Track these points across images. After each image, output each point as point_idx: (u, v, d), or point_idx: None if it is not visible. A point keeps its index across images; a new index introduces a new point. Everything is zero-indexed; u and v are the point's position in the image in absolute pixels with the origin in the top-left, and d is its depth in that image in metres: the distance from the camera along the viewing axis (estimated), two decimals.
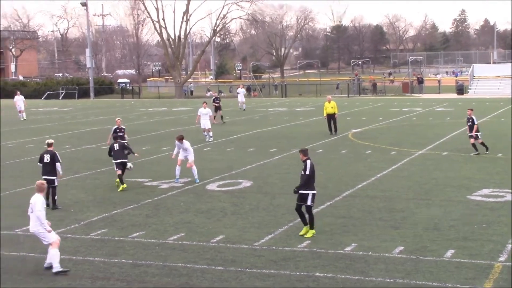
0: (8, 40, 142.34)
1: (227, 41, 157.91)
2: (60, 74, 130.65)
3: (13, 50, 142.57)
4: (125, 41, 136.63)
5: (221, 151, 30.55)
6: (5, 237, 16.07)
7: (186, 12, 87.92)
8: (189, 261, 13.82)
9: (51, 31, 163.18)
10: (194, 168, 22.83)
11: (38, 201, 13.32)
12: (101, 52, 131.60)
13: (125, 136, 26.49)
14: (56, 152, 19.58)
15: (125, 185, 21.86)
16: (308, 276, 12.72)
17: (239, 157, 28.49)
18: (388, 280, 12.38)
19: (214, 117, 42.53)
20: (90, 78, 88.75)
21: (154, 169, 25.84)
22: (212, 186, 21.97)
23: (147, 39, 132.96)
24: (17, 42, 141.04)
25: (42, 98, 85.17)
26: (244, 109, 54.72)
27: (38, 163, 19.72)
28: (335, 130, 35.72)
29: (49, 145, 19.60)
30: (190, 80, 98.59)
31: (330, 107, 35.91)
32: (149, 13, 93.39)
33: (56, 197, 19.31)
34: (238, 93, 58.13)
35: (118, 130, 26.28)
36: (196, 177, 22.77)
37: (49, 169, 19.19)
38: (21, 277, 13.06)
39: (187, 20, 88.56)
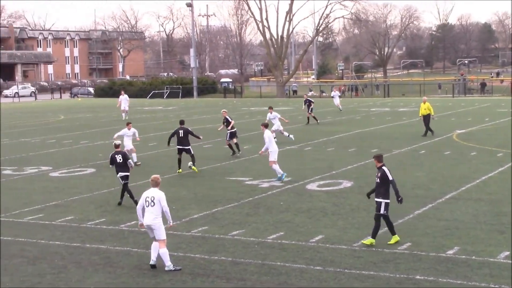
0: (117, 41, 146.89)
1: (330, 40, 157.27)
2: (165, 74, 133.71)
3: (121, 50, 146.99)
4: (228, 41, 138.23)
5: (322, 151, 30.44)
6: (111, 232, 16.56)
7: (289, 11, 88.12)
8: (288, 260, 13.82)
9: (157, 32, 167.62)
10: (276, 167, 22.88)
11: (162, 196, 13.46)
12: (205, 52, 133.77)
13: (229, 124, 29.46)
14: (126, 152, 20.29)
15: (180, 170, 24.58)
16: (408, 279, 12.48)
17: (340, 157, 28.29)
18: (493, 286, 11.99)
19: (308, 118, 43.43)
20: (194, 77, 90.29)
21: (255, 168, 26.01)
22: (312, 186, 21.91)
23: (250, 39, 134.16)
24: (125, 43, 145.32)
25: (147, 97, 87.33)
26: (341, 110, 54.16)
27: (110, 165, 20.12)
28: (425, 132, 34.88)
29: (116, 146, 20.24)
30: (291, 79, 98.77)
31: (423, 108, 35.18)
32: (252, 13, 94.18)
33: (131, 192, 19.64)
34: (332, 96, 57.31)
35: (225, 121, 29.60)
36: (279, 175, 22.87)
37: (123, 167, 19.74)
38: (125, 271, 13.41)
39: (290, 20, 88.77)
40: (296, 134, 35.76)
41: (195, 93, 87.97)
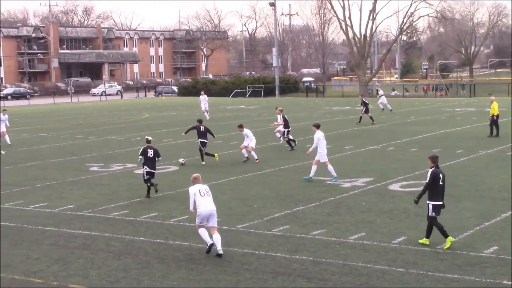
0: (200, 40, 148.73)
1: (414, 39, 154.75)
2: (247, 73, 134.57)
3: (204, 49, 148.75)
4: (310, 40, 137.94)
5: (405, 151, 30.01)
6: (193, 229, 16.76)
7: (372, 10, 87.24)
8: (369, 261, 13.69)
9: (240, 31, 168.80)
10: (314, 169, 22.97)
11: (207, 188, 14.89)
12: (287, 51, 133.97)
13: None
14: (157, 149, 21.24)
15: (203, 163, 26.68)
16: (495, 284, 12.16)
17: (423, 158, 27.77)
18: None
19: (360, 117, 43.56)
20: (276, 76, 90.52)
21: (336, 168, 25.81)
22: (395, 186, 21.63)
23: (332, 38, 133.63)
24: (208, 42, 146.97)
25: (230, 96, 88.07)
26: (391, 110, 53.16)
27: (140, 156, 20.89)
28: (491, 133, 33.98)
29: (149, 141, 21.14)
30: (374, 79, 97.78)
31: (492, 107, 34.24)
32: (335, 12, 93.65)
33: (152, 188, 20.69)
34: (381, 95, 55.83)
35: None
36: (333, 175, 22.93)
37: (152, 162, 20.71)
38: (207, 268, 13.56)
39: (374, 19, 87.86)
40: (379, 134, 35.39)
41: (277, 92, 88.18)
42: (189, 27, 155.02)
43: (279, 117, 32.23)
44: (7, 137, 35.35)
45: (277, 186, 22.25)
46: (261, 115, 53.65)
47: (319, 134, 23.09)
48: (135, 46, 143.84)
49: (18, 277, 13.22)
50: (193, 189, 14.73)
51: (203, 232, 14.55)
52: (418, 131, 37.91)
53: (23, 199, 20.84)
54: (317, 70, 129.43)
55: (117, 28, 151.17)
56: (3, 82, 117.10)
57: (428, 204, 14.79)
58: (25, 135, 41.27)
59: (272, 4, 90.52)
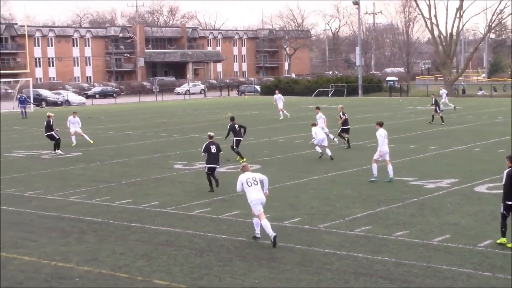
0: (283, 39, 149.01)
1: (503, 37, 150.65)
2: (330, 72, 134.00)
3: (287, 49, 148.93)
4: (395, 39, 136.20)
5: (492, 152, 29.26)
6: (274, 228, 16.80)
7: (459, 8, 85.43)
8: (454, 264, 13.40)
9: (323, 30, 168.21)
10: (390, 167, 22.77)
11: (258, 174, 15.86)
12: (370, 50, 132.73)
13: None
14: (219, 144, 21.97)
15: (239, 158, 27.45)
16: None
17: None
18: None
19: (433, 116, 43.10)
20: (359, 76, 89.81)
21: (421, 168, 25.44)
22: (481, 188, 21.11)
23: (417, 36, 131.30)
24: (291, 41, 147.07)
25: (312, 95, 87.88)
26: (455, 108, 52.44)
27: (203, 153, 21.57)
28: None
29: (211, 137, 21.85)
30: (460, 78, 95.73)
31: None
32: (420, 11, 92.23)
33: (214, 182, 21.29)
34: (445, 95, 54.78)
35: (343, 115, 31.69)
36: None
37: (215, 158, 21.41)
38: (288, 267, 13.57)
39: (460, 17, 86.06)
40: (465, 134, 34.64)
41: (360, 92, 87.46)
42: (272, 26, 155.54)
43: (318, 117, 31.73)
44: (86, 136, 36.02)
45: (359, 186, 22.06)
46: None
47: (381, 132, 22.91)
48: (219, 46, 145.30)
49: (105, 271, 13.56)
50: (242, 178, 15.63)
51: (255, 223, 15.65)
52: (506, 131, 36.87)
53: (109, 195, 21.37)
54: (401, 69, 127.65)
55: (201, 28, 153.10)
56: (92, 81, 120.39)
57: (503, 202, 14.67)
58: (112, 133, 42.29)
59: (356, 3, 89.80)
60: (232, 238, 15.89)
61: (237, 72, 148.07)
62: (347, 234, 15.95)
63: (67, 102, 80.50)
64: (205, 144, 21.75)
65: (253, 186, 15.45)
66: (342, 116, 31.71)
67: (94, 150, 32.96)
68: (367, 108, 61.22)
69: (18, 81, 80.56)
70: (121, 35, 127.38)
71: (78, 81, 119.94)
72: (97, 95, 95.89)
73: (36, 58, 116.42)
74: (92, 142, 35.77)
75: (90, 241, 15.88)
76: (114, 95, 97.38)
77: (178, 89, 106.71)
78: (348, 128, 32.15)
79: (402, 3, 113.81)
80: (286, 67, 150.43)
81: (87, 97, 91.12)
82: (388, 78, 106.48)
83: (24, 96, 64.35)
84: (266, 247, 15.00)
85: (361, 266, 13.48)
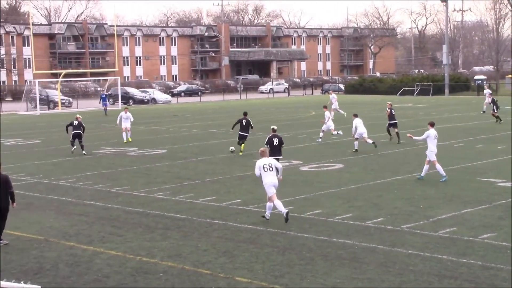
0: (368, 38, 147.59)
1: None
2: (416, 71, 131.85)
3: (372, 47, 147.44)
4: (484, 37, 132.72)
5: None
6: (357, 228, 16.68)
7: None
8: None
9: (409, 28, 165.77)
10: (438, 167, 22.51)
11: (274, 161, 17.62)
12: (458, 48, 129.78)
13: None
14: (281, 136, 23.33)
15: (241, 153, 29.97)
16: None
17: None
18: None
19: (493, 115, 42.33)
20: (446, 74, 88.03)
21: (510, 169, 24.72)
22: None
23: (508, 34, 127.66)
24: (376, 40, 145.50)
25: (397, 95, 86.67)
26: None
27: (266, 145, 22.39)
28: None
29: (274, 130, 23.30)
30: None
31: None
32: None
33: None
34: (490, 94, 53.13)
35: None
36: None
37: (277, 150, 22.71)
38: (370, 268, 13.44)
39: None
40: None
41: (446, 91, 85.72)
42: (357, 24, 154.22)
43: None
44: (129, 134, 36.80)
45: (444, 187, 21.62)
46: (429, 114, 52.32)
47: (430, 132, 22.72)
48: (303, 44, 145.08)
49: (188, 267, 13.75)
50: (259, 163, 17.42)
51: (267, 207, 17.46)
52: None
53: (193, 192, 21.66)
54: (490, 67, 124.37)
55: (285, 26, 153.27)
56: (177, 79, 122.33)
57: None
58: (196, 130, 42.84)
59: (444, 0, 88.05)
60: (314, 237, 15.84)
61: (321, 70, 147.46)
62: (431, 235, 15.66)
63: (153, 100, 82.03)
64: (268, 137, 23.18)
65: (268, 172, 17.24)
66: (388, 110, 33.88)
67: (178, 148, 33.50)
68: (453, 107, 59.92)
69: (107, 80, 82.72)
70: (206, 34, 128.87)
71: (164, 79, 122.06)
72: (182, 93, 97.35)
73: (124, 57, 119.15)
74: (130, 140, 36.39)
75: (173, 237, 16.15)
76: (199, 93, 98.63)
77: (262, 88, 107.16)
78: (396, 123, 33.76)
79: (492, 0, 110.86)
80: (371, 66, 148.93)
81: (173, 95, 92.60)
82: (476, 77, 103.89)
83: (105, 94, 66.22)
84: (348, 247, 14.89)
85: (445, 269, 13.22)
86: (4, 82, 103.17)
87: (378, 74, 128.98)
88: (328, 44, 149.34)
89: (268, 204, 17.37)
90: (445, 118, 47.16)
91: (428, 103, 68.05)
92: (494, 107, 42.74)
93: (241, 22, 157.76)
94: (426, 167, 22.77)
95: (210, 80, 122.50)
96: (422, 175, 22.87)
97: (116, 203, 20.30)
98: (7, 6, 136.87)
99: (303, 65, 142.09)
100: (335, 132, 34.83)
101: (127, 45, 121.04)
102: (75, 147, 31.48)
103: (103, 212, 19.15)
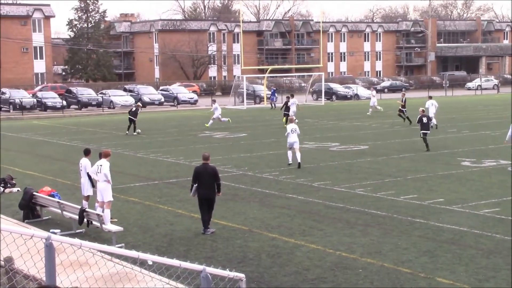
0: None
1: None
2: None
3: None
4: None
5: None
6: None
7: None
8: None
9: None
10: None
11: (297, 128, 26.20)
12: None
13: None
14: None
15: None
16: None
17: None
18: None
19: None
20: None
21: None
22: None
23: None
24: None
25: None
26: None
27: (417, 123, 24.96)
28: None
29: (423, 111, 29.76)
30: None
31: None
32: None
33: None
34: None
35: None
36: None
37: (426, 126, 29.60)
38: None
39: None
40: None
41: None
42: None
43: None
44: (211, 122, 42.65)
45: None
46: None
47: None
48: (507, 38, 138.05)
49: (387, 265, 13.64)
50: (288, 128, 26.28)
51: (289, 154, 26.20)
52: None
53: (394, 190, 21.41)
54: None
55: (497, 20, 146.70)
56: (381, 75, 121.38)
57: None
58: (398, 127, 42.24)
59: None
60: None
61: None
62: None
63: (356, 96, 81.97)
64: (419, 117, 29.63)
65: (291, 134, 25.89)
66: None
67: (380, 144, 33.23)
68: None
69: (311, 75, 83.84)
70: (412, 29, 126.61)
71: (368, 75, 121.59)
72: (385, 89, 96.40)
73: (328, 53, 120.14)
74: (207, 125, 42.16)
75: (374, 234, 16.07)
76: (403, 89, 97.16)
77: (469, 84, 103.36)
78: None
79: None
80: None
81: (377, 91, 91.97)
82: None
83: (274, 88, 67.63)
84: None
85: None
86: (214, 77, 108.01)
87: None
88: None
89: (289, 153, 26.33)
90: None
91: None
92: None
93: (449, 16, 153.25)
94: None
95: (414, 76, 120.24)
96: None
97: (317, 198, 20.56)
98: (220, 5, 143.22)
99: None
100: None
101: (332, 41, 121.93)
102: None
103: (304, 206, 19.48)
